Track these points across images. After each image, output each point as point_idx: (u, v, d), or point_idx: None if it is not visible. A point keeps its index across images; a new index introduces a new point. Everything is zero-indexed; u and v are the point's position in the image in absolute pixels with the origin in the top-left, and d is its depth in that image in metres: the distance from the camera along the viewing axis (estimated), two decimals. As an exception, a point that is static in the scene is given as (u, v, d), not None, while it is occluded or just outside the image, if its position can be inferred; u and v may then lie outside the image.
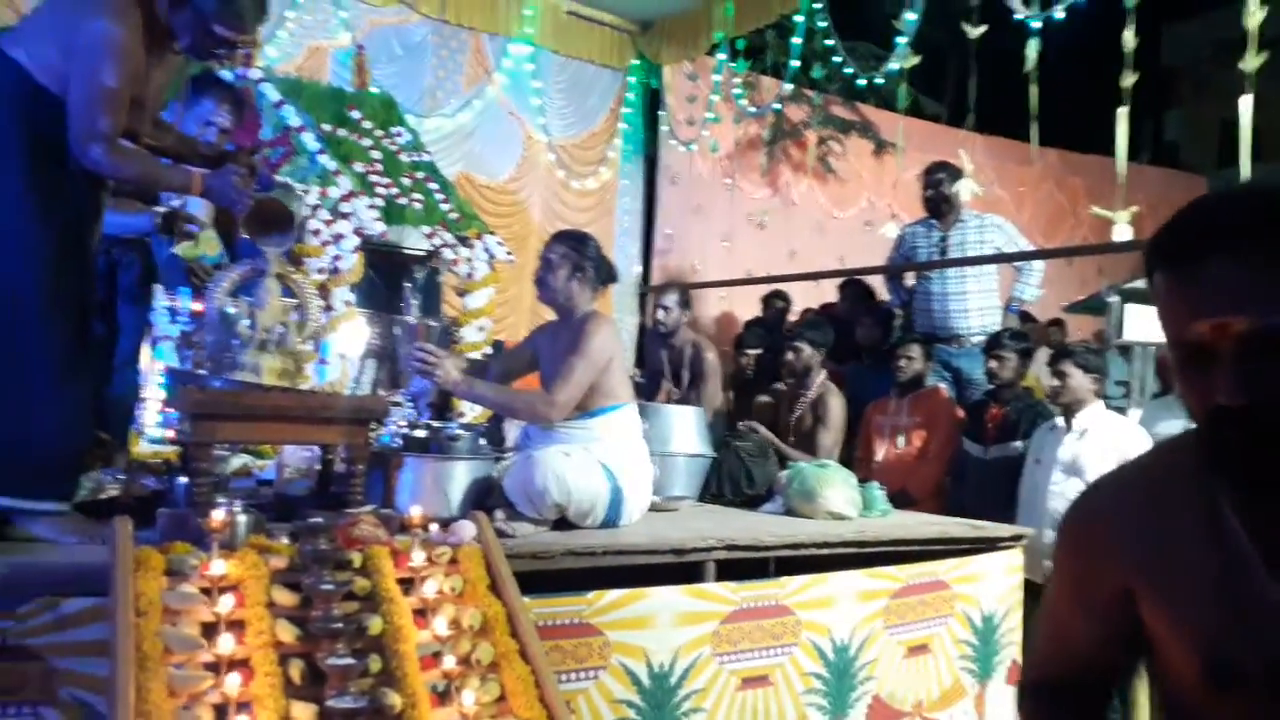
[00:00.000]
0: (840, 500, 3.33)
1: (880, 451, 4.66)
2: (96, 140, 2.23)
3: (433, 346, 2.84)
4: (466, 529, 2.18)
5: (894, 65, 5.97)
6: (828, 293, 7.16)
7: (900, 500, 3.84)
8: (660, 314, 4.86)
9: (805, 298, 7.19)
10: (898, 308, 5.61)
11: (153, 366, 3.75)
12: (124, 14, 2.26)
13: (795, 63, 6.62)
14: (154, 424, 3.60)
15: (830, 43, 6.45)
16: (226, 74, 4.60)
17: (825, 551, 2.97)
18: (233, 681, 1.64)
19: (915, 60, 5.78)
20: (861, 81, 6.56)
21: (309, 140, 4.70)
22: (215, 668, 1.67)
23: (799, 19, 6.36)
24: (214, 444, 2.38)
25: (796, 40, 6.49)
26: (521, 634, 1.91)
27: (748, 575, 2.74)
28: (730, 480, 3.75)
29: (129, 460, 3.12)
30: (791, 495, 3.44)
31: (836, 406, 4.48)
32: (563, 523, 2.75)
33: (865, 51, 9.08)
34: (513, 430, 3.42)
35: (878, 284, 6.23)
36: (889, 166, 9.05)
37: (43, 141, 2.24)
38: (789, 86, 7.11)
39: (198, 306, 4.12)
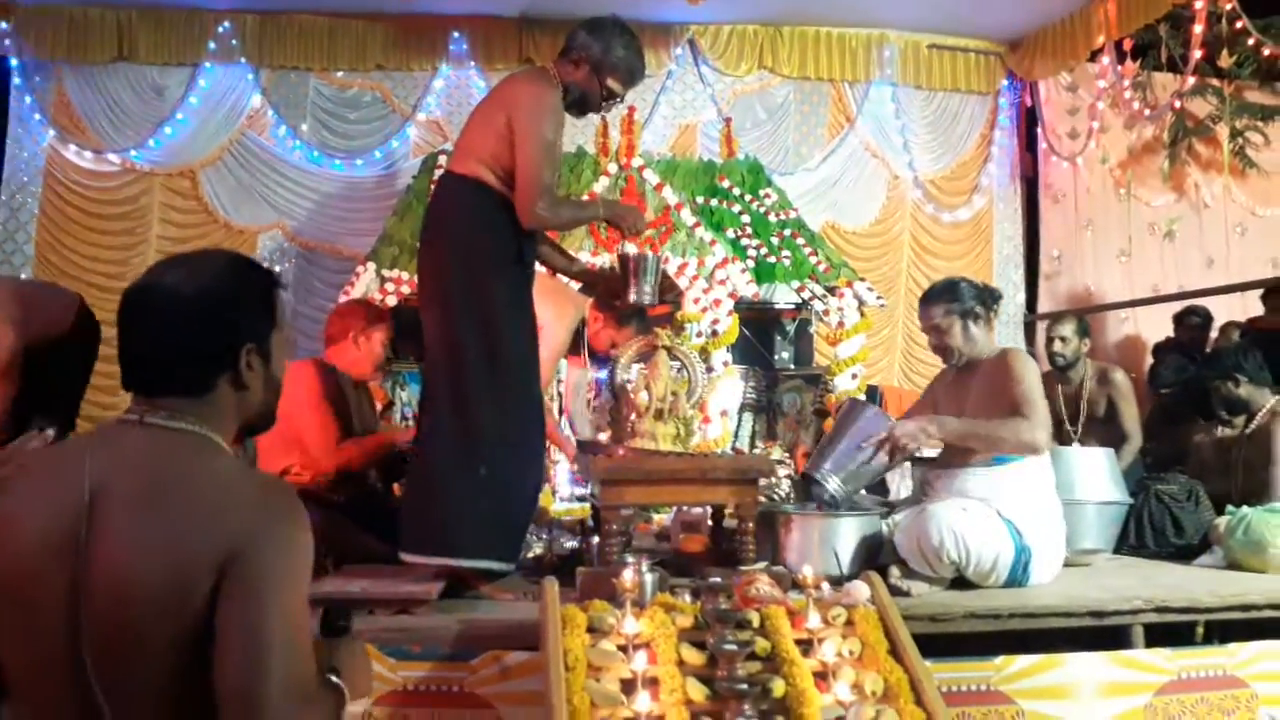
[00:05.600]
0: (1299, 551, 2.86)
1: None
2: (542, 194, 2.46)
3: (881, 429, 2.74)
4: (860, 590, 2.15)
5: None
6: (1253, 304, 6.23)
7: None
8: (1057, 345, 4.45)
9: (1228, 311, 6.32)
10: None
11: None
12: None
13: (1197, 53, 5.89)
14: (564, 486, 3.98)
15: (1240, 24, 5.66)
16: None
17: (1282, 614, 2.56)
18: (651, 737, 1.75)
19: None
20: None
21: (686, 215, 5.01)
22: (634, 723, 1.79)
23: (1199, 4, 5.66)
24: (621, 506, 2.58)
25: (1197, 28, 5.78)
26: (927, 703, 1.84)
27: (1180, 640, 2.43)
28: (1153, 529, 3.37)
29: (549, 520, 3.47)
30: (1235, 546, 3.04)
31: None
32: (961, 580, 2.62)
33: (1284, 26, 7.84)
34: (904, 482, 3.33)
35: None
36: (1329, 149, 7.71)
37: (516, 242, 2.55)
38: (1190, 80, 6.33)
39: (596, 376, 4.53)
